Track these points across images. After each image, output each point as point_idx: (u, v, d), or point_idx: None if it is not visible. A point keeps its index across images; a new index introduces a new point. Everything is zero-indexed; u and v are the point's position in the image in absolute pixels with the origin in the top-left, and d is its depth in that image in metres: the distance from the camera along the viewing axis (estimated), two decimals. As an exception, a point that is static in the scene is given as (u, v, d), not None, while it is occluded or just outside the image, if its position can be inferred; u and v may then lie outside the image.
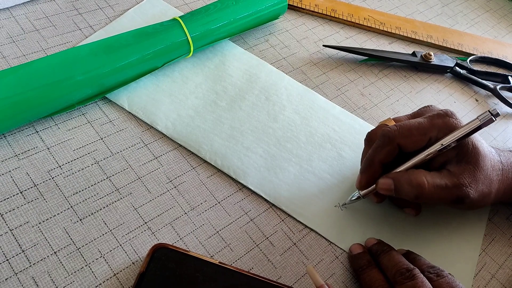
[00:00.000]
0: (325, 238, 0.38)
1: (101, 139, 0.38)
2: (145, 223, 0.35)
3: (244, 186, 0.39)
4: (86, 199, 0.35)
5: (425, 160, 0.37)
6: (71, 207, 0.34)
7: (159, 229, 0.35)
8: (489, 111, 0.34)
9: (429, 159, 0.37)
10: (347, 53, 0.54)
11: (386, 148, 0.37)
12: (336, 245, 0.38)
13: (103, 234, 0.33)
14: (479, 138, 0.38)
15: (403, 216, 0.41)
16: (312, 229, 0.38)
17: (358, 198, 0.39)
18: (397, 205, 0.41)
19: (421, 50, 0.57)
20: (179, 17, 0.45)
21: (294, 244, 0.37)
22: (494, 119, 0.34)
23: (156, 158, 0.39)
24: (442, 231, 0.41)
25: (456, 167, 0.36)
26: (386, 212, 0.41)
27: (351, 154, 0.44)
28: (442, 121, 0.37)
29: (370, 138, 0.40)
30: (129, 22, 0.47)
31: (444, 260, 0.39)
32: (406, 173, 0.36)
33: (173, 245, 0.32)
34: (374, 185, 0.37)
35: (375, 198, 0.39)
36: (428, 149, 0.36)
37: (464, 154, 0.36)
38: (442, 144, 0.36)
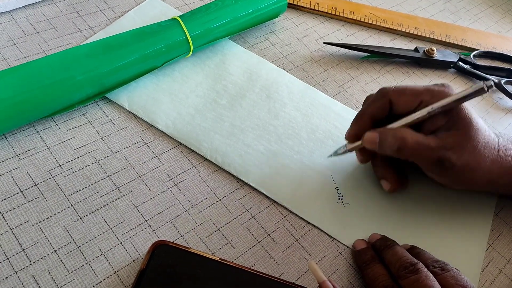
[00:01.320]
0: (327, 234, 0.37)
1: (102, 138, 0.38)
2: (146, 220, 0.35)
3: (245, 183, 0.39)
4: (86, 198, 0.35)
5: (415, 122, 0.36)
6: (72, 205, 0.34)
7: (159, 227, 0.34)
8: (483, 82, 0.34)
9: (418, 122, 0.36)
10: (349, 50, 0.54)
11: (378, 102, 0.38)
12: (339, 241, 0.37)
13: (104, 232, 0.33)
14: (475, 115, 0.37)
15: (408, 211, 0.40)
16: (314, 225, 0.38)
17: (345, 151, 0.40)
18: (376, 174, 0.41)
19: (424, 46, 0.57)
20: (178, 16, 0.45)
21: (297, 240, 0.37)
22: (486, 90, 0.34)
23: (157, 156, 0.39)
24: (448, 226, 0.40)
25: (444, 133, 0.36)
26: (390, 207, 0.40)
27: (353, 150, 0.44)
28: (437, 89, 0.37)
29: (367, 99, 0.41)
30: (129, 23, 0.47)
31: (449, 255, 0.38)
32: (392, 129, 0.37)
33: (174, 242, 0.32)
34: (360, 141, 0.38)
35: (360, 155, 0.40)
36: (418, 112, 0.36)
37: (455, 122, 0.36)
38: (432, 108, 0.36)
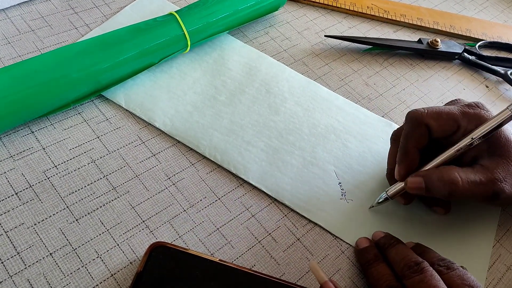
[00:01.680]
0: (330, 232, 0.37)
1: (98, 137, 0.38)
2: (143, 221, 0.34)
3: (245, 181, 0.38)
4: (82, 199, 0.34)
5: (456, 155, 0.35)
6: (67, 207, 0.33)
7: (157, 228, 0.34)
8: None
9: (459, 154, 0.35)
10: (350, 42, 0.53)
11: (417, 131, 0.35)
12: (341, 240, 0.36)
13: (100, 234, 0.32)
14: (510, 130, 0.36)
15: (412, 208, 0.39)
16: (316, 224, 0.37)
17: (386, 199, 0.37)
18: (425, 204, 0.39)
19: (428, 37, 0.56)
20: (175, 11, 0.44)
21: (298, 239, 0.36)
22: None
23: (154, 155, 0.38)
24: (453, 222, 0.39)
25: (489, 161, 0.34)
26: (393, 204, 0.39)
27: (356, 144, 0.43)
28: (473, 112, 0.35)
29: (396, 136, 0.39)
30: (125, 19, 0.47)
31: (455, 252, 0.37)
32: (437, 170, 0.34)
33: (172, 243, 0.31)
34: (403, 184, 0.36)
35: (403, 199, 0.38)
36: (458, 143, 0.35)
37: (496, 147, 0.35)
38: (472, 138, 0.34)
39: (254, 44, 0.49)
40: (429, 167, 0.35)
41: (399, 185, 0.36)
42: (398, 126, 0.42)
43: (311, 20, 0.54)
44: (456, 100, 0.39)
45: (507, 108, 0.33)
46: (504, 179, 0.34)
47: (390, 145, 0.39)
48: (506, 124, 0.34)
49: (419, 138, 0.36)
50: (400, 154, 0.36)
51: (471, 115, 0.35)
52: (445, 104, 0.39)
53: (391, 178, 0.38)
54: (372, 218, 0.38)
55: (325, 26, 0.54)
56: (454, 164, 0.35)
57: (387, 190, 0.37)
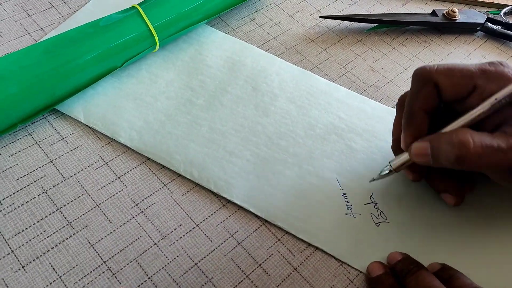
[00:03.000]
0: (334, 257, 0.30)
1: (51, 161, 0.32)
2: (104, 262, 0.28)
3: (229, 201, 0.32)
4: (30, 240, 0.28)
5: (476, 121, 0.28)
6: (12, 251, 0.28)
7: (121, 269, 0.28)
8: None
9: (480, 119, 0.28)
10: (351, 22, 0.45)
11: (423, 90, 0.29)
12: (349, 266, 0.30)
13: (51, 283, 0.27)
14: None
15: (435, 218, 0.32)
16: (317, 248, 0.30)
17: (390, 172, 0.31)
18: (434, 188, 0.33)
19: (443, 8, 0.48)
20: (138, 4, 0.38)
21: (295, 269, 0.29)
22: None
23: (119, 177, 0.32)
24: (490, 238, 0.32)
25: None
26: (413, 216, 0.32)
27: (363, 144, 0.36)
28: (495, 69, 0.29)
29: (401, 101, 0.32)
30: (86, 17, 0.40)
31: (491, 277, 0.30)
32: (447, 133, 0.28)
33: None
34: (408, 156, 0.30)
35: (410, 173, 0.32)
36: (480, 106, 0.28)
37: None
38: (496, 99, 0.27)
39: (238, 34, 0.42)
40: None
41: (404, 155, 0.30)
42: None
43: (304, 0, 0.47)
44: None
45: None
46: None
47: (396, 113, 0.33)
48: None
49: (427, 98, 0.30)
50: (406, 119, 0.30)
51: (492, 74, 0.29)
52: None
53: (396, 149, 0.32)
54: (386, 235, 0.31)
55: (321, 5, 0.47)
56: None
57: (391, 161, 0.31)
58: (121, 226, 0.30)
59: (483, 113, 0.28)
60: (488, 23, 0.47)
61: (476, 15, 0.47)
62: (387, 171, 0.31)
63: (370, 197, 0.33)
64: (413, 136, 0.30)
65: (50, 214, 0.29)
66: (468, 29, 0.47)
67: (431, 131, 0.30)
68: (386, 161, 0.34)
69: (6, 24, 0.39)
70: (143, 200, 0.31)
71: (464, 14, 0.47)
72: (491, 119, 0.28)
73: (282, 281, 0.29)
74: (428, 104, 0.30)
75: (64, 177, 0.31)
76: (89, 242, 0.29)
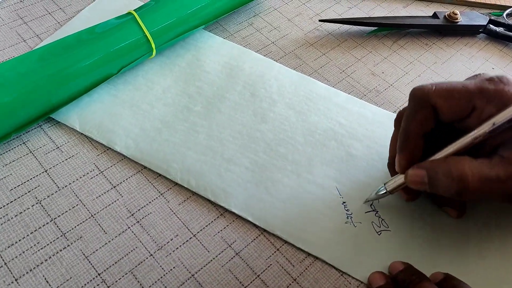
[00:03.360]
0: (334, 267, 0.29)
1: (45, 171, 0.31)
2: (99, 274, 0.27)
3: (226, 210, 0.31)
4: (23, 252, 0.28)
5: (472, 145, 0.27)
6: (5, 264, 0.27)
7: (116, 281, 0.27)
8: None
9: (477, 142, 0.27)
10: (351, 26, 0.45)
11: (420, 113, 0.29)
12: (350, 276, 0.29)
13: (44, 296, 0.26)
14: None
15: (438, 226, 0.31)
16: (316, 258, 0.30)
17: (386, 194, 0.31)
18: (436, 204, 0.32)
19: (444, 10, 0.47)
20: (134, 9, 0.37)
21: (294, 280, 0.29)
22: None
23: (114, 187, 0.31)
24: (493, 247, 0.31)
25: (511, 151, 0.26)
26: (414, 224, 0.31)
27: (364, 151, 0.35)
28: (494, 89, 0.27)
29: (399, 117, 0.31)
30: (82, 24, 0.40)
31: (495, 286, 0.29)
32: (444, 162, 0.27)
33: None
34: (403, 178, 0.29)
35: (405, 194, 0.31)
36: (476, 130, 0.27)
37: None
38: (494, 124, 0.26)
39: (236, 39, 0.42)
40: (437, 157, 0.28)
41: (399, 178, 0.30)
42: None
43: (303, 4, 0.46)
44: (478, 75, 0.30)
45: None
46: None
47: (393, 131, 0.32)
48: None
49: (423, 121, 0.29)
50: (401, 141, 0.30)
51: (491, 93, 0.27)
52: (466, 80, 0.31)
53: (392, 168, 0.32)
54: (387, 244, 0.30)
55: (320, 9, 0.46)
56: (470, 155, 0.27)
57: (386, 183, 0.31)
58: (116, 237, 0.29)
59: (480, 136, 0.27)
60: (490, 25, 0.46)
61: (478, 17, 0.46)
62: (382, 192, 0.31)
63: (371, 205, 0.32)
64: (407, 159, 0.29)
65: (44, 225, 0.29)
66: (470, 32, 0.46)
67: (428, 148, 0.29)
68: (387, 168, 0.33)
69: (1, 31, 0.39)
70: (139, 210, 0.30)
71: (466, 16, 0.46)
72: (489, 141, 0.27)
73: (281, 293, 0.28)
74: (424, 127, 0.29)
75: (58, 187, 0.31)
76: (84, 254, 0.28)
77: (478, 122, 0.27)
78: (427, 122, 0.29)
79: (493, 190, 0.26)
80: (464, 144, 0.27)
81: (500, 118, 0.26)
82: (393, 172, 0.32)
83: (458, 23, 0.45)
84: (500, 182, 0.26)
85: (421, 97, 0.29)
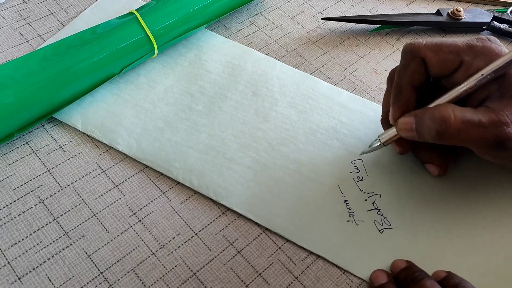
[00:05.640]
0: (336, 265, 0.29)
1: (48, 171, 0.31)
2: (101, 273, 0.28)
3: (228, 209, 0.31)
4: (26, 251, 0.28)
5: (461, 96, 0.29)
6: (8, 263, 0.27)
7: (118, 279, 0.27)
8: None
9: (466, 95, 0.29)
10: (354, 23, 0.44)
11: (411, 65, 0.30)
12: (351, 274, 0.29)
13: (47, 295, 0.26)
14: None
15: (441, 224, 0.31)
16: (318, 256, 0.30)
17: (380, 145, 0.32)
18: (419, 159, 0.34)
19: (448, 7, 0.47)
20: (136, 9, 0.37)
21: (296, 278, 0.29)
22: None
23: (116, 186, 0.31)
24: (498, 243, 0.31)
25: (497, 102, 0.28)
26: (417, 222, 0.31)
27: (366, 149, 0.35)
28: (482, 45, 0.29)
29: (391, 75, 0.33)
30: (85, 24, 0.40)
31: (499, 285, 0.29)
32: (430, 108, 0.29)
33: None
34: (395, 130, 0.31)
35: (397, 147, 0.33)
36: (467, 81, 0.28)
37: (509, 87, 0.28)
38: (482, 74, 0.28)
39: (238, 38, 0.42)
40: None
41: (392, 130, 0.31)
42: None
43: (305, 2, 0.46)
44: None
45: None
46: None
47: (386, 87, 0.34)
48: None
49: (414, 73, 0.30)
50: (394, 94, 0.31)
51: (478, 49, 0.29)
52: None
53: (385, 122, 0.33)
54: (389, 242, 0.30)
55: (323, 7, 0.46)
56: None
57: (380, 136, 0.32)
58: (118, 235, 0.29)
59: (469, 89, 0.28)
60: (494, 22, 0.46)
61: (482, 14, 0.46)
62: (376, 145, 0.32)
63: (373, 203, 0.32)
64: (400, 110, 0.30)
65: (47, 224, 0.29)
66: (474, 29, 0.46)
67: (420, 106, 0.30)
68: (389, 167, 0.33)
69: (4, 32, 0.39)
70: (141, 208, 0.31)
71: (470, 13, 0.46)
72: (476, 95, 0.29)
73: (282, 291, 0.28)
74: (416, 79, 0.30)
75: (61, 186, 0.31)
76: (86, 253, 0.28)
77: (465, 78, 0.29)
78: (418, 74, 0.30)
79: (474, 134, 0.27)
80: (453, 96, 0.29)
81: (488, 69, 0.28)
82: (386, 127, 0.33)
83: (462, 20, 0.45)
84: (482, 127, 0.27)
85: (412, 51, 0.30)
